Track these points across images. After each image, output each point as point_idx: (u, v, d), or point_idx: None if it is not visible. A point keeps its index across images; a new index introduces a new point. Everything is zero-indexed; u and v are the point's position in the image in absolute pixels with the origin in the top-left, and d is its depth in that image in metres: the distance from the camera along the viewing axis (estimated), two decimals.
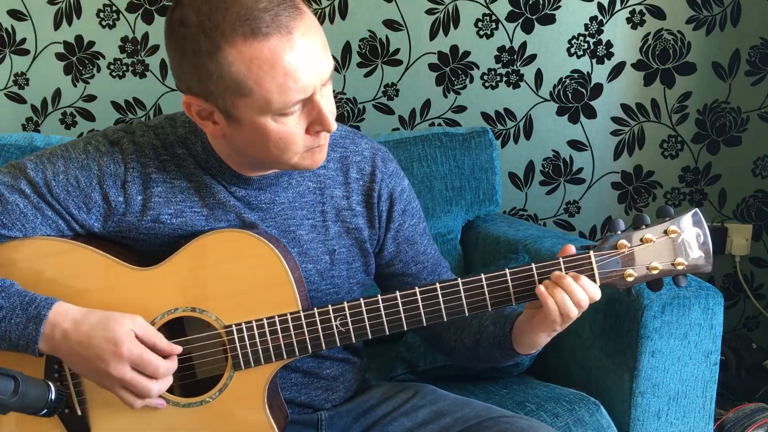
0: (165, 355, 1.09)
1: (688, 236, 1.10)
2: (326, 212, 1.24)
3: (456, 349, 1.28)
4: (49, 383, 1.01)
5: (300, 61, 1.00)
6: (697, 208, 1.12)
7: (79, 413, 1.15)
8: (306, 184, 1.23)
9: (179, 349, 1.11)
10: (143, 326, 1.08)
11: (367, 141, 1.29)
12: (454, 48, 2.22)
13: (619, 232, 1.11)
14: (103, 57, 2.18)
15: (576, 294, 1.08)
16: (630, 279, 1.11)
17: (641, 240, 1.10)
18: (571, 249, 1.13)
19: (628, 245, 1.10)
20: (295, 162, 1.10)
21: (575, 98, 2.27)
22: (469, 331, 1.25)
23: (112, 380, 1.07)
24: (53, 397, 1.01)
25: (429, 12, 2.19)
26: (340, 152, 1.25)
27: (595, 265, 1.10)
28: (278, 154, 1.08)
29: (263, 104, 1.02)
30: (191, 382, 1.18)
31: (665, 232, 1.10)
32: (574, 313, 1.08)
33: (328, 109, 1.06)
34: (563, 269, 1.10)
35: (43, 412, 1.01)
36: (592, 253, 1.11)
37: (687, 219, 1.10)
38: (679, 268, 1.10)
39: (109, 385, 1.08)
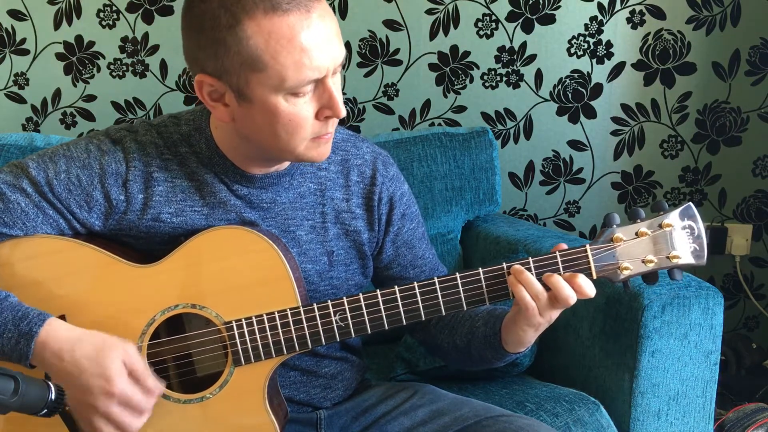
0: (147, 391, 1.08)
1: (683, 229, 1.12)
2: (326, 213, 1.24)
3: (449, 350, 1.28)
4: (49, 383, 1.01)
5: (316, 40, 1.02)
6: (690, 202, 1.13)
7: None
8: (307, 185, 1.23)
9: (162, 388, 1.10)
10: (133, 360, 1.07)
11: (369, 145, 1.30)
12: (454, 48, 2.22)
13: (615, 226, 1.12)
14: (103, 57, 2.18)
15: (533, 286, 1.09)
16: (626, 272, 1.12)
17: (636, 233, 1.12)
18: (563, 247, 1.14)
19: (624, 239, 1.11)
20: (301, 151, 1.10)
21: (575, 98, 2.27)
22: (461, 332, 1.25)
23: (95, 412, 1.06)
24: (53, 397, 1.01)
25: (429, 12, 2.19)
26: (342, 155, 1.26)
27: (591, 259, 1.11)
28: (286, 139, 1.08)
29: (277, 81, 1.02)
30: (191, 379, 1.18)
31: (660, 226, 1.12)
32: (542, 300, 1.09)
33: (339, 95, 1.07)
34: (560, 263, 1.11)
35: (43, 412, 1.01)
36: (588, 246, 1.12)
37: (681, 212, 1.12)
38: (674, 261, 1.12)
39: (89, 414, 1.06)
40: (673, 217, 1.12)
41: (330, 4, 2.14)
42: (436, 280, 1.13)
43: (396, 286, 1.13)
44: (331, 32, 1.04)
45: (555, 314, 1.12)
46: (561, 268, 1.11)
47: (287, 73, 1.02)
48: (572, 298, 1.08)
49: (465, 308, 1.13)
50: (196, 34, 1.04)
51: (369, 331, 1.14)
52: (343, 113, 1.08)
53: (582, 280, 1.09)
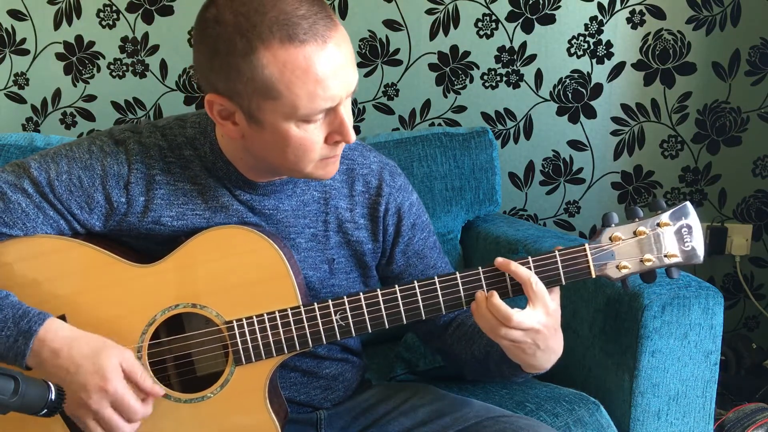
0: (145, 395, 1.08)
1: (680, 228, 1.13)
2: (329, 222, 1.24)
3: (467, 361, 1.28)
4: (49, 383, 1.01)
5: (331, 70, 1.01)
6: (687, 201, 1.14)
7: None
8: (311, 193, 1.23)
9: (161, 391, 1.10)
10: (131, 363, 1.08)
11: (376, 155, 1.29)
12: (454, 48, 2.22)
13: (613, 225, 1.14)
14: (103, 57, 2.18)
15: (513, 334, 1.10)
16: (624, 271, 1.13)
17: (634, 233, 1.13)
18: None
19: (622, 238, 1.13)
20: (309, 171, 1.10)
21: (575, 98, 2.27)
22: (479, 343, 1.25)
23: (88, 411, 1.06)
24: (53, 397, 1.01)
25: (429, 12, 2.19)
26: (347, 164, 1.26)
27: (590, 257, 1.13)
28: (294, 161, 1.08)
29: (290, 109, 1.02)
30: (192, 379, 1.18)
31: (658, 225, 1.13)
32: (497, 335, 1.11)
33: (349, 120, 1.07)
34: (559, 262, 1.12)
35: (43, 412, 1.01)
36: (587, 245, 1.13)
37: (678, 211, 1.13)
38: (672, 259, 1.13)
39: (81, 414, 1.07)
40: (671, 216, 1.13)
41: (330, 5, 2.15)
42: (436, 279, 1.13)
43: (396, 285, 1.13)
44: (346, 60, 1.03)
45: (552, 339, 1.14)
46: (560, 268, 1.13)
47: (301, 103, 1.02)
48: (493, 317, 1.10)
49: (464, 307, 1.14)
50: (209, 54, 1.03)
51: (370, 330, 1.14)
52: (353, 139, 1.07)
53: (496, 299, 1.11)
